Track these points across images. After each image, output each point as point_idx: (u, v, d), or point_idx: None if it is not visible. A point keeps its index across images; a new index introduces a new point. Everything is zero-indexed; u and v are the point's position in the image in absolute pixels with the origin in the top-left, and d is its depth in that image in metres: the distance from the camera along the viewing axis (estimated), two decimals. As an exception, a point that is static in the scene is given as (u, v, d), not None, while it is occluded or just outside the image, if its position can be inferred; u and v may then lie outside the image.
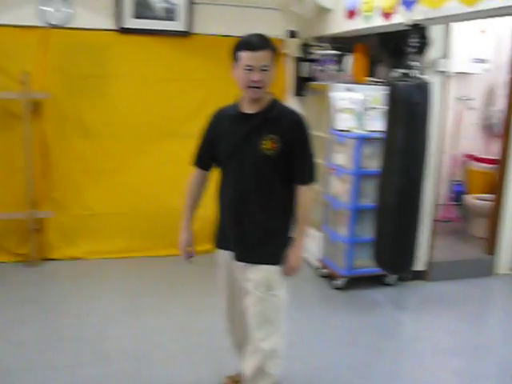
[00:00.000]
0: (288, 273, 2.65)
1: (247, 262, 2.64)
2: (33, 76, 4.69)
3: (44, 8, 4.82)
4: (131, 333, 3.74)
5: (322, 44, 5.17)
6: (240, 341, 2.92)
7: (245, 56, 2.44)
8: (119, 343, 3.59)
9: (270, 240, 2.64)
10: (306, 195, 2.62)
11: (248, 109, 2.60)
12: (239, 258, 2.68)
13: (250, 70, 2.44)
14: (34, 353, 3.43)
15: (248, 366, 2.72)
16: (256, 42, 2.46)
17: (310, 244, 5.10)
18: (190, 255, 2.87)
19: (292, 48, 5.29)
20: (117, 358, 3.41)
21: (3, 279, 4.58)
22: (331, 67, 4.90)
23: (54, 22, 4.88)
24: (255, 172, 2.59)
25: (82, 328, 3.79)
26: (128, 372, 3.25)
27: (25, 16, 4.79)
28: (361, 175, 4.43)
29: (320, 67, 5.01)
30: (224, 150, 2.69)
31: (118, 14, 4.96)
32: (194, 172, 2.84)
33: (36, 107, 4.81)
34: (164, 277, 4.77)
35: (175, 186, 5.19)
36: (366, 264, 4.50)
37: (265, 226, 2.62)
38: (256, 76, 2.44)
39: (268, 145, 2.54)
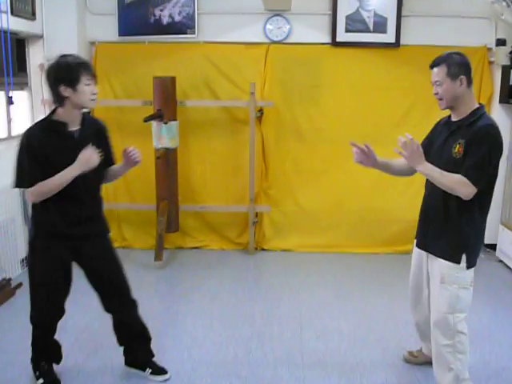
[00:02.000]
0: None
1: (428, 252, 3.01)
2: (256, 86, 5.31)
3: (268, 26, 5.45)
4: (345, 317, 4.14)
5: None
6: (421, 326, 3.29)
7: None
8: (335, 324, 4.01)
9: (445, 237, 2.85)
10: (460, 179, 2.66)
11: (452, 116, 2.91)
12: (423, 247, 3.04)
13: (433, 84, 2.84)
14: (262, 325, 3.99)
15: (433, 360, 3.02)
16: (432, 62, 2.83)
17: (511, 250, 5.12)
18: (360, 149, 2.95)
19: (500, 56, 5.32)
20: (334, 336, 3.82)
21: (227, 263, 5.28)
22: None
23: (275, 39, 5.49)
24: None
25: (301, 308, 4.28)
26: (344, 350, 3.64)
27: (251, 34, 5.49)
28: None
29: (530, 75, 5.01)
30: (431, 149, 3.01)
31: (331, 29, 5.44)
32: None
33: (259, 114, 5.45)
34: (368, 271, 5.12)
35: (379, 189, 5.56)
36: None
37: (441, 224, 2.87)
38: (434, 89, 2.84)
39: (456, 148, 2.76)
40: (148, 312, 3.35)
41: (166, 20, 5.48)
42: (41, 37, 5.24)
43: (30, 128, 2.86)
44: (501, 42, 5.32)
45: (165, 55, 5.51)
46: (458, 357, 2.86)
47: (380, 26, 5.41)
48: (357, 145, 2.94)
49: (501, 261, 5.37)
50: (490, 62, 5.46)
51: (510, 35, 5.33)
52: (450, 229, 2.84)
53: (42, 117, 5.25)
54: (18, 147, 2.76)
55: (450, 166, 2.76)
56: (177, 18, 5.47)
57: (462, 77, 2.74)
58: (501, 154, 2.74)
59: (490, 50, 5.45)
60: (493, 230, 5.48)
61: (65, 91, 2.70)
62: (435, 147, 2.96)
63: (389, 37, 5.42)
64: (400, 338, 3.75)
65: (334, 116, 5.51)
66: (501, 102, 5.39)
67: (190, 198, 5.63)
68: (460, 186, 2.67)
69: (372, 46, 5.45)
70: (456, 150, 2.75)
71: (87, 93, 2.74)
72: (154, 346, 3.34)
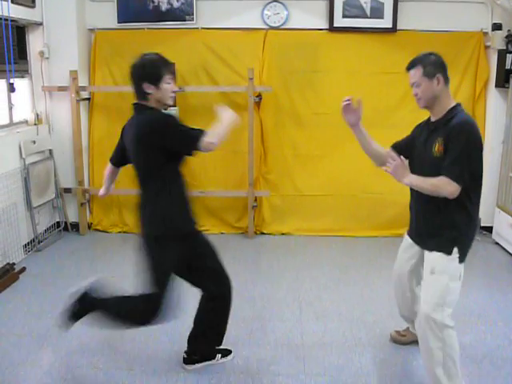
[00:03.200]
0: None
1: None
2: (254, 72, 5.36)
3: (266, 12, 5.48)
4: (344, 299, 4.23)
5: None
6: (404, 312, 3.43)
7: None
8: (334, 306, 4.10)
9: (438, 234, 2.86)
10: (442, 179, 2.66)
11: (431, 117, 2.94)
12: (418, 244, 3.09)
13: (411, 86, 2.89)
14: (264, 307, 4.07)
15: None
16: (408, 64, 2.88)
17: (506, 232, 5.21)
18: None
19: (496, 40, 5.36)
20: (333, 318, 3.91)
21: (227, 247, 5.30)
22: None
23: (273, 24, 5.53)
24: (426, 174, 2.78)
25: (300, 291, 4.37)
26: (343, 331, 3.72)
27: (249, 20, 5.53)
28: None
29: (526, 59, 5.06)
30: (414, 151, 3.03)
31: (329, 15, 5.47)
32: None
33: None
34: (366, 254, 5.20)
35: (377, 173, 5.52)
36: None
37: (433, 222, 2.87)
38: (413, 90, 2.88)
39: (436, 147, 2.76)
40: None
41: (164, 6, 5.51)
42: (40, 24, 5.27)
43: (158, 112, 2.97)
44: (497, 27, 5.37)
45: (164, 42, 5.53)
46: (446, 351, 2.80)
47: (377, 11, 5.45)
48: (349, 100, 3.15)
49: (497, 243, 5.46)
50: (487, 47, 5.51)
51: (506, 20, 5.38)
52: (443, 225, 2.83)
53: (42, 104, 5.34)
54: (168, 122, 2.85)
55: (432, 166, 2.77)
56: (175, 5, 5.49)
57: (438, 75, 2.77)
58: (480, 148, 2.73)
59: (486, 34, 5.49)
60: (489, 212, 5.57)
61: (148, 88, 2.84)
62: (417, 147, 2.97)
63: (386, 22, 5.46)
64: (397, 319, 3.80)
65: (331, 101, 5.53)
66: (497, 86, 5.44)
67: (189, 183, 5.66)
68: (443, 186, 2.68)
69: (369, 32, 5.50)
70: (436, 149, 2.75)
71: (168, 90, 2.91)
72: (157, 328, 3.40)
